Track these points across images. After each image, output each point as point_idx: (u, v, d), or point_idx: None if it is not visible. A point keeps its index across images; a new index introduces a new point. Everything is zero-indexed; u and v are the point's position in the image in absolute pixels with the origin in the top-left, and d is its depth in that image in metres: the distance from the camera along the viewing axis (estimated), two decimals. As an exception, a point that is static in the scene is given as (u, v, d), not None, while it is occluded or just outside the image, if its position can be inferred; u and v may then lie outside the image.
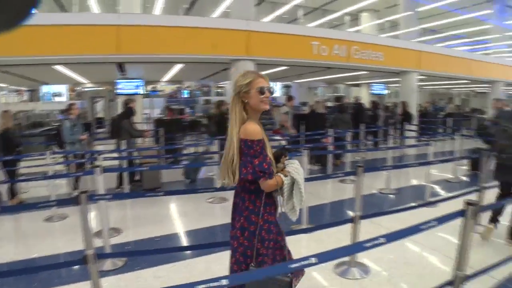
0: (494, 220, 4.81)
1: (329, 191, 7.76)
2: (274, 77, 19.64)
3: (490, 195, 5.02)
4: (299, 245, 4.62)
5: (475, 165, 8.52)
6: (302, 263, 1.95)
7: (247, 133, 2.17)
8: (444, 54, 14.79)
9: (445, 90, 30.97)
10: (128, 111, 7.90)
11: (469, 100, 31.60)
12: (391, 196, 7.27)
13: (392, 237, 2.38)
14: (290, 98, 10.75)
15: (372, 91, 19.71)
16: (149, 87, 22.20)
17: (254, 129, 2.18)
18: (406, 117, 13.01)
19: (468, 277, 2.73)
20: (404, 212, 4.54)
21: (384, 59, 12.33)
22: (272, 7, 17.21)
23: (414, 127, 13.32)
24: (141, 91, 13.74)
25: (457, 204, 2.78)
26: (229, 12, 11.22)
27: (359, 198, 3.99)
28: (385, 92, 19.92)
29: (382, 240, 2.27)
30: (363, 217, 3.96)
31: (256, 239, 2.25)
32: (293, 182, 2.29)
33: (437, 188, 7.82)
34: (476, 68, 15.91)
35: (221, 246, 3.81)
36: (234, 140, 2.22)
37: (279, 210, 2.40)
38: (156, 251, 4.06)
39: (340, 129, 9.94)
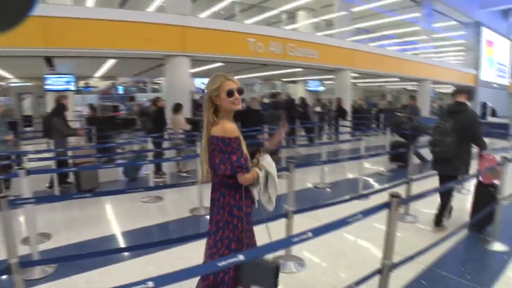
0: (440, 214, 5.15)
1: None
2: (210, 74, 19.53)
3: (420, 187, 5.30)
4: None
5: (395, 158, 9.41)
6: (229, 261, 1.90)
7: (225, 131, 2.28)
8: (376, 53, 15.45)
9: (378, 87, 32.37)
10: (60, 108, 7.41)
11: (400, 97, 33.27)
12: (327, 190, 7.42)
13: (319, 231, 2.38)
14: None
15: (308, 88, 20.17)
16: (82, 83, 21.21)
17: (231, 128, 2.30)
18: (341, 113, 13.43)
19: (396, 265, 2.82)
20: (340, 205, 4.62)
21: (319, 57, 12.63)
22: (208, 3, 17.05)
23: (348, 123, 13.77)
24: (72, 87, 13.13)
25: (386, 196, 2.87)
26: (165, 6, 10.96)
27: (292, 193, 4.04)
28: (321, 88, 20.46)
29: (309, 234, 2.28)
30: (297, 211, 3.99)
31: (239, 231, 2.41)
32: (267, 175, 2.45)
33: (370, 181, 8.06)
34: (405, 67, 16.77)
35: (156, 246, 3.66)
36: (205, 140, 2.37)
37: (256, 202, 2.53)
38: (87, 255, 3.84)
39: (275, 125, 10.02)
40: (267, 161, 2.49)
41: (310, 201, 6.55)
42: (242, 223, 2.44)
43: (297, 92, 21.89)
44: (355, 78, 19.50)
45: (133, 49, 9.40)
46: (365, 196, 5.71)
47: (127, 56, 10.05)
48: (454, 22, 23.37)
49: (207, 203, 5.74)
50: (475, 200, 4.92)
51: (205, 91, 2.42)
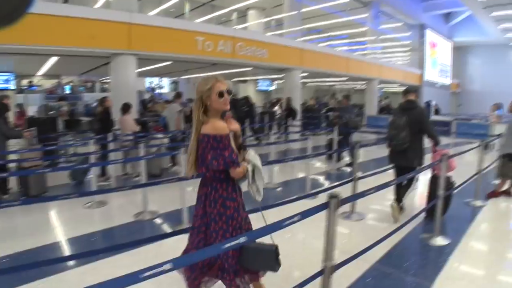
0: (397, 200, 5.48)
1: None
2: (159, 73, 19.16)
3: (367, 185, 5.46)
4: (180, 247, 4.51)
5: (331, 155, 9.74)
6: (159, 269, 1.82)
7: (216, 129, 2.43)
8: (325, 52, 15.82)
9: (329, 87, 33.10)
10: (2, 109, 6.90)
11: (350, 96, 34.14)
12: (276, 190, 7.45)
13: (255, 235, 2.39)
14: (178, 95, 10.36)
15: (259, 88, 20.30)
16: (25, 82, 20.22)
17: (222, 126, 2.46)
18: (290, 112, 13.60)
19: (339, 265, 2.80)
20: (288, 204, 4.59)
21: (268, 56, 12.74)
22: (158, 0, 16.80)
23: (298, 123, 13.97)
24: (11, 86, 12.52)
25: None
26: (111, 3, 10.61)
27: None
28: (271, 88, 20.65)
29: (243, 239, 2.25)
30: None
31: (234, 221, 2.58)
32: (253, 168, 2.62)
33: (319, 180, 8.21)
34: (354, 66, 17.26)
35: (98, 254, 3.51)
36: (194, 138, 2.51)
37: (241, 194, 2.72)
38: (21, 268, 3.59)
39: None
40: (252, 155, 2.66)
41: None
42: (238, 213, 2.61)
43: (248, 92, 21.95)
44: (305, 77, 19.86)
45: (77, 46, 9.05)
46: (313, 195, 5.78)
47: (71, 53, 9.68)
48: (400, 24, 24.35)
49: (152, 207, 5.72)
50: (430, 190, 5.30)
51: (196, 91, 2.53)
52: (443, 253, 4.29)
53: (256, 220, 2.80)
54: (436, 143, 5.28)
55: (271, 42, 13.01)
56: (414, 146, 5.23)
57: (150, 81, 29.67)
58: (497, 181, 6.97)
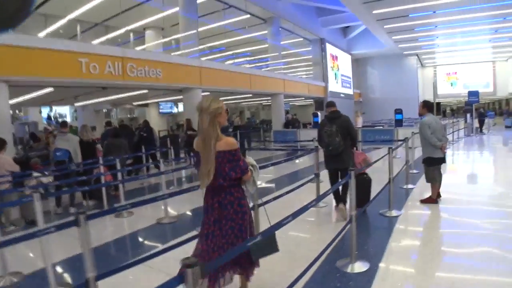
0: (341, 200, 6.03)
1: (107, 229, 6.54)
2: (45, 101, 17.43)
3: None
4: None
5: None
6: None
7: (230, 145, 2.86)
8: (226, 70, 15.28)
9: (235, 104, 32.95)
10: None
11: (258, 113, 34.33)
12: (171, 224, 6.51)
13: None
14: (64, 124, 9.09)
15: (161, 111, 19.32)
16: None
17: (233, 142, 2.92)
18: (192, 135, 12.83)
19: None
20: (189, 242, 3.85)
21: (163, 76, 11.92)
22: (44, 20, 15.28)
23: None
24: None
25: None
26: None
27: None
28: (175, 110, 19.75)
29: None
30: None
31: (247, 215, 3.06)
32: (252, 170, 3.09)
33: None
34: (256, 82, 16.97)
35: None
36: (213, 152, 2.82)
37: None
38: None
39: (114, 155, 8.84)
40: (250, 160, 3.14)
41: (154, 238, 5.66)
42: (249, 209, 3.15)
43: (150, 115, 20.86)
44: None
45: None
46: None
47: None
48: (301, 39, 24.85)
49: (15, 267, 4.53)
50: (356, 186, 5.25)
51: (208, 110, 2.83)
52: (363, 283, 3.74)
53: None
54: (355, 145, 6.22)
55: (166, 61, 12.18)
56: (346, 150, 5.88)
57: (49, 111, 27.43)
58: (409, 186, 7.70)
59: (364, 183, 5.97)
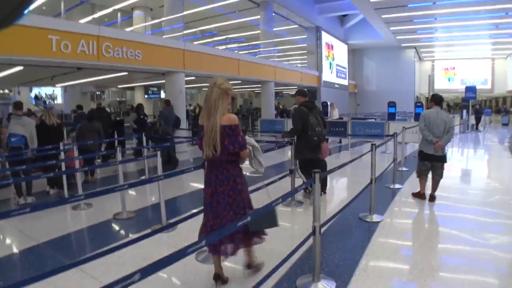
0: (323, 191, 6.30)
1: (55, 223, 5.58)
2: (19, 81, 16.67)
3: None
4: None
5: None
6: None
7: (232, 121, 3.06)
8: (212, 54, 14.51)
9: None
10: None
11: (250, 100, 33.54)
12: (128, 221, 5.75)
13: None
14: (19, 105, 8.20)
15: (149, 95, 18.58)
16: None
17: (235, 117, 3.14)
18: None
19: None
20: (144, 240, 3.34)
21: (143, 58, 11.18)
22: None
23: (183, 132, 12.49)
24: None
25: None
26: None
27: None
28: (163, 95, 18.98)
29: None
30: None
31: (243, 193, 3.25)
32: (252, 148, 3.41)
33: (179, 204, 6.93)
34: (245, 68, 16.22)
35: None
36: (218, 126, 3.01)
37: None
38: None
39: (88, 139, 8.36)
40: (248, 138, 3.36)
41: (104, 237, 4.99)
42: (244, 186, 3.28)
43: (136, 99, 20.07)
44: (198, 82, 18.60)
45: None
46: (171, 226, 4.47)
47: None
48: (295, 26, 24.03)
49: None
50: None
51: (220, 86, 3.08)
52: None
53: None
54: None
55: (146, 42, 11.40)
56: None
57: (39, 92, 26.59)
58: (396, 186, 7.23)
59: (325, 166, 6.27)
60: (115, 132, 10.51)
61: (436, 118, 5.98)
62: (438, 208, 6.03)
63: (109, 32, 10.51)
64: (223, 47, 23.22)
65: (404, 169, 8.93)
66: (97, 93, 32.34)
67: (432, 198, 6.22)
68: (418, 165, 6.37)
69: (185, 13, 17.95)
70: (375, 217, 5.32)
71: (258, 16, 20.05)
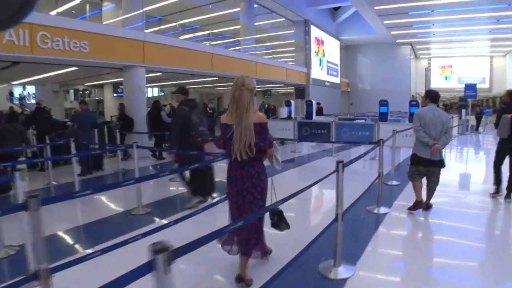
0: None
1: None
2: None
3: None
4: None
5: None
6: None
7: (262, 119, 3.17)
8: (177, 46, 12.70)
9: (210, 90, 30.39)
10: None
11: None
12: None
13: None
14: None
15: (118, 93, 16.86)
16: None
17: (264, 116, 3.31)
18: (126, 123, 10.47)
19: None
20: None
21: (90, 50, 9.53)
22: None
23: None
24: None
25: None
26: None
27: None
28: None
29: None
30: None
31: (264, 190, 3.28)
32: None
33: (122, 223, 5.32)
34: (220, 63, 14.54)
35: None
36: (252, 125, 3.05)
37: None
38: None
39: (11, 144, 6.94)
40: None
41: None
42: (266, 184, 3.32)
43: (105, 98, 18.36)
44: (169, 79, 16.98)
45: None
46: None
47: None
48: (282, 19, 22.37)
49: None
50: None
51: (250, 86, 3.10)
52: None
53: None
54: None
55: (94, 32, 9.72)
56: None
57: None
58: (381, 210, 5.59)
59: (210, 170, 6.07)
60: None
61: (432, 117, 5.16)
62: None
63: (45, 20, 8.83)
64: (209, 43, 21.58)
65: (394, 182, 7.31)
66: (80, 92, 30.86)
67: (428, 206, 5.54)
68: (410, 169, 5.57)
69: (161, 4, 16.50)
70: (343, 271, 3.59)
71: (238, 8, 18.45)
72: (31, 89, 26.27)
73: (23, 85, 25.36)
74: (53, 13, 14.37)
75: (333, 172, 3.58)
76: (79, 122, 9.01)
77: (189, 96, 5.96)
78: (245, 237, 3.22)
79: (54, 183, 8.09)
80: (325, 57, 26.35)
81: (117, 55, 10.38)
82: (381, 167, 5.61)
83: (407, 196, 6.04)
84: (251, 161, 3.15)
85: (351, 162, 4.12)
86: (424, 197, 5.52)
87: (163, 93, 32.21)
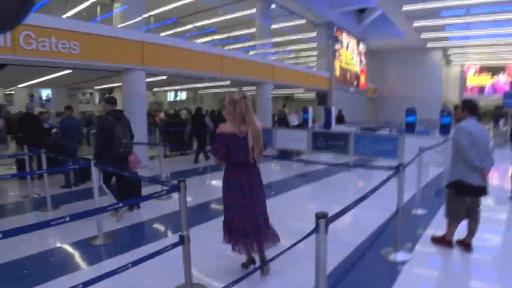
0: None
1: None
2: None
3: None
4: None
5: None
6: None
7: (262, 125, 3.59)
8: (182, 48, 11.61)
9: (224, 94, 29.39)
10: None
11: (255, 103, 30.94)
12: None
13: None
14: None
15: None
16: None
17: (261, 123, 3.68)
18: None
19: None
20: None
21: (80, 52, 8.67)
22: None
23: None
24: None
25: None
26: None
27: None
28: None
29: None
30: None
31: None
32: None
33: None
34: (231, 67, 13.51)
35: None
36: (259, 131, 3.47)
37: None
38: None
39: None
40: None
41: None
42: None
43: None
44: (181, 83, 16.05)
45: None
46: None
47: None
48: (304, 21, 21.12)
49: None
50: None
51: (248, 98, 3.46)
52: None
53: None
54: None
55: (86, 32, 8.84)
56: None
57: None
58: (398, 257, 4.26)
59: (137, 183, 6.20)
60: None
61: (481, 134, 4.25)
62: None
63: (29, 18, 7.94)
64: (228, 47, 20.63)
65: (419, 211, 6.05)
66: (106, 94, 30.53)
67: (468, 246, 4.43)
68: (451, 203, 4.41)
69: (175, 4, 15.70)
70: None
71: (253, 11, 17.48)
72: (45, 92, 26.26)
73: (39, 88, 25.14)
74: (64, 16, 13.79)
75: (312, 232, 2.46)
76: (62, 129, 8.19)
77: (116, 107, 5.95)
78: (258, 227, 3.54)
79: (34, 195, 7.41)
80: (349, 62, 24.95)
81: (112, 56, 9.48)
82: (401, 200, 4.37)
83: (436, 231, 4.83)
84: (255, 164, 3.57)
85: (340, 214, 2.83)
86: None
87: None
